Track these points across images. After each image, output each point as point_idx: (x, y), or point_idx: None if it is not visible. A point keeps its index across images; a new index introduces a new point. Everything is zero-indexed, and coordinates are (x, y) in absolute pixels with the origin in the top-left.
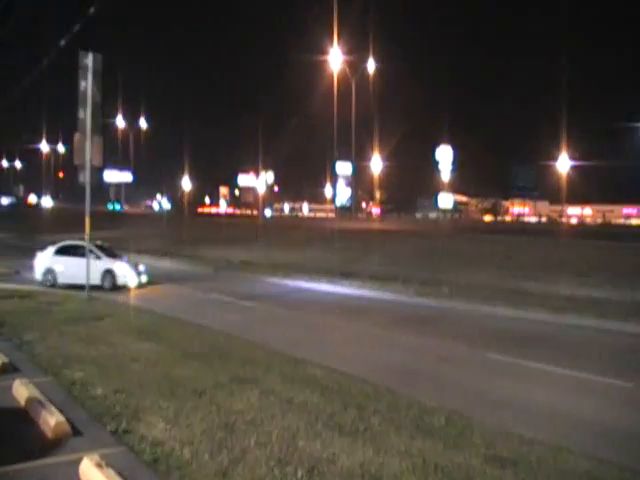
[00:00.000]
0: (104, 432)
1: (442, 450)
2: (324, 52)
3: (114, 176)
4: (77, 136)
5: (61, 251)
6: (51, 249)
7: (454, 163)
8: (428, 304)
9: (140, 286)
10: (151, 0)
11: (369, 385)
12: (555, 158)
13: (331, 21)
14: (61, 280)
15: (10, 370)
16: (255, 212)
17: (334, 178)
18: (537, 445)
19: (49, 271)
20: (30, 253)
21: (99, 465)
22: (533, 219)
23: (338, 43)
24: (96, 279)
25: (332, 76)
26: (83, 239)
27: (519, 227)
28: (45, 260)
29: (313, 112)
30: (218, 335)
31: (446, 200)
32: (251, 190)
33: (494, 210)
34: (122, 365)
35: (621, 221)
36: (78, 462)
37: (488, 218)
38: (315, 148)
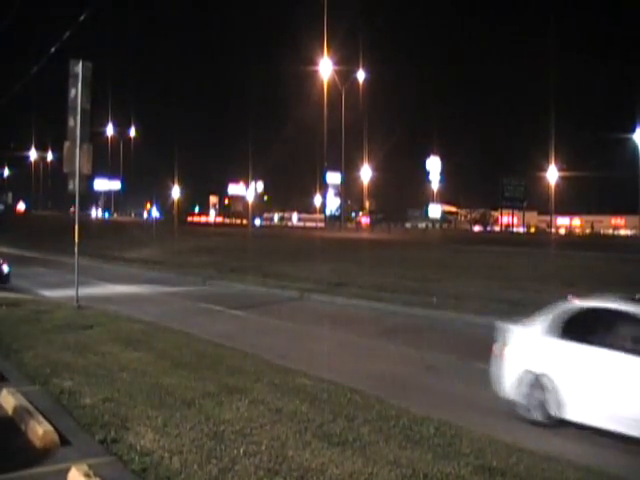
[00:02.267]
0: (92, 441)
1: (431, 460)
2: (314, 62)
3: (103, 184)
4: (67, 144)
5: (579, 327)
6: (545, 319)
7: (443, 174)
8: (417, 314)
9: None
10: (141, 10)
11: (358, 395)
12: (544, 169)
13: (321, 32)
14: (574, 416)
15: None
16: (245, 221)
17: (324, 188)
18: (526, 455)
19: (536, 382)
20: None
21: (87, 475)
22: (522, 229)
23: (328, 54)
24: None
25: (322, 86)
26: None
27: (508, 237)
28: (528, 350)
29: (303, 122)
30: (207, 344)
31: (435, 210)
32: (241, 199)
33: (483, 220)
34: (111, 374)
35: (610, 232)
36: (66, 472)
37: (477, 228)
38: (305, 158)
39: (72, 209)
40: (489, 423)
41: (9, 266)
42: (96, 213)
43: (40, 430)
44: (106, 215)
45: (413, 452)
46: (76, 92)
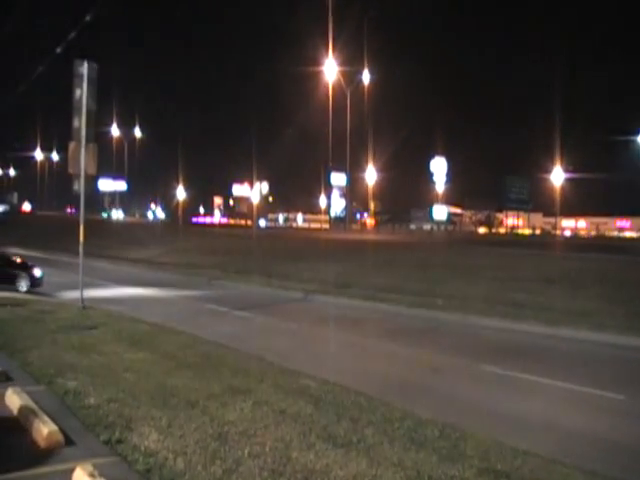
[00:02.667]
0: (97, 442)
1: (436, 462)
2: (319, 63)
3: (108, 185)
4: (72, 145)
5: None
6: None
7: (448, 175)
8: (422, 315)
9: None
10: (146, 11)
11: (363, 396)
12: (549, 171)
13: (326, 32)
14: None
15: (2, 379)
16: (249, 222)
17: (328, 189)
18: (531, 457)
19: None
20: None
21: (92, 475)
22: (527, 231)
23: (334, 54)
24: None
25: (327, 87)
26: None
27: (513, 239)
28: None
29: (308, 123)
30: (212, 345)
31: (440, 212)
32: (245, 200)
33: (488, 222)
34: (115, 374)
35: (615, 234)
36: (71, 472)
37: (482, 230)
38: (310, 159)
39: (69, 210)
40: (495, 426)
41: (41, 269)
42: (117, 215)
43: (45, 430)
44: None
45: (417, 454)
46: (81, 92)
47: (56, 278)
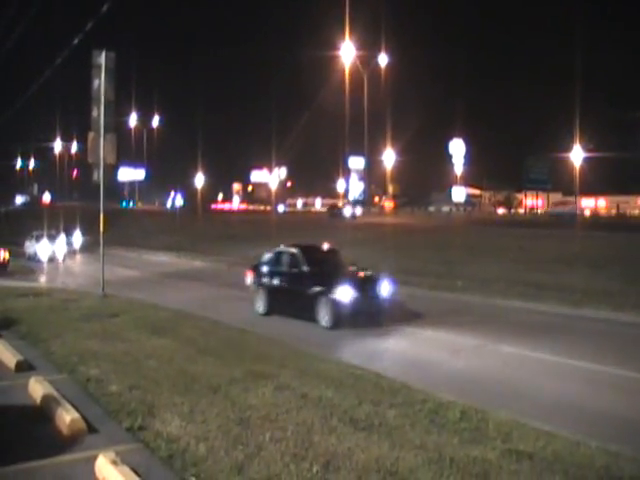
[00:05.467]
0: (119, 429)
1: (458, 444)
2: (337, 46)
3: (128, 174)
4: (91, 135)
5: None
6: None
7: (467, 156)
8: (443, 298)
9: None
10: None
11: (384, 380)
12: (568, 150)
13: (343, 15)
14: None
15: (26, 368)
16: (268, 208)
17: (347, 173)
18: (553, 439)
19: None
20: None
21: (114, 462)
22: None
23: (350, 37)
24: None
25: (344, 70)
26: None
27: (532, 219)
28: None
29: (326, 107)
30: (233, 331)
31: (459, 193)
32: (264, 186)
33: (507, 203)
34: (137, 361)
35: (636, 212)
36: (94, 459)
37: (502, 211)
38: (327, 143)
39: (46, 199)
40: (516, 406)
41: (356, 287)
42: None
43: (68, 418)
44: (131, 204)
45: (439, 436)
46: (99, 82)
47: (79, 267)
